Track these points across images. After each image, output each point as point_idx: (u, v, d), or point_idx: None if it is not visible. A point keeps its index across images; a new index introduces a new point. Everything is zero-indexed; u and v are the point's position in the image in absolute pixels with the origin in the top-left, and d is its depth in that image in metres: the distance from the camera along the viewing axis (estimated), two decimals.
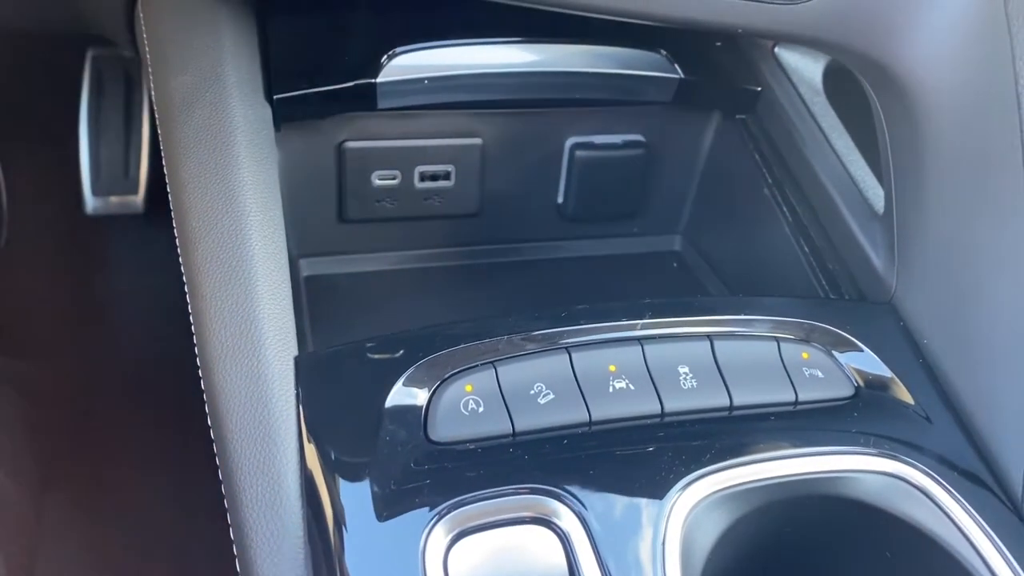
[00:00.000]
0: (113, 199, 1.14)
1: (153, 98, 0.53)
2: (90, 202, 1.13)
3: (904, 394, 0.46)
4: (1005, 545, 0.41)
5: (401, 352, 0.42)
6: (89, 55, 1.12)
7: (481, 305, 0.64)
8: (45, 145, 1.12)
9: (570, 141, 0.64)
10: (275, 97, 0.53)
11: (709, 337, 0.45)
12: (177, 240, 0.47)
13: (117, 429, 0.90)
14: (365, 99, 0.55)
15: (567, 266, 0.68)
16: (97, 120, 1.13)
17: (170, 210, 0.48)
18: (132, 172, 1.14)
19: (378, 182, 0.61)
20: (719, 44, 0.62)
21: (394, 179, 0.62)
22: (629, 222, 0.69)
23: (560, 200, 0.66)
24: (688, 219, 0.69)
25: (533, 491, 0.38)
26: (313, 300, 0.62)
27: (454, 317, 0.62)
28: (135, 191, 1.13)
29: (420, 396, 0.41)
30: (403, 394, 0.41)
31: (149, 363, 0.97)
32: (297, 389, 0.41)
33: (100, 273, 1.14)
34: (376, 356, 0.43)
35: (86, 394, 0.95)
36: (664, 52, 0.58)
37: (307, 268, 0.64)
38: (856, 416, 0.45)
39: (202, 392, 0.43)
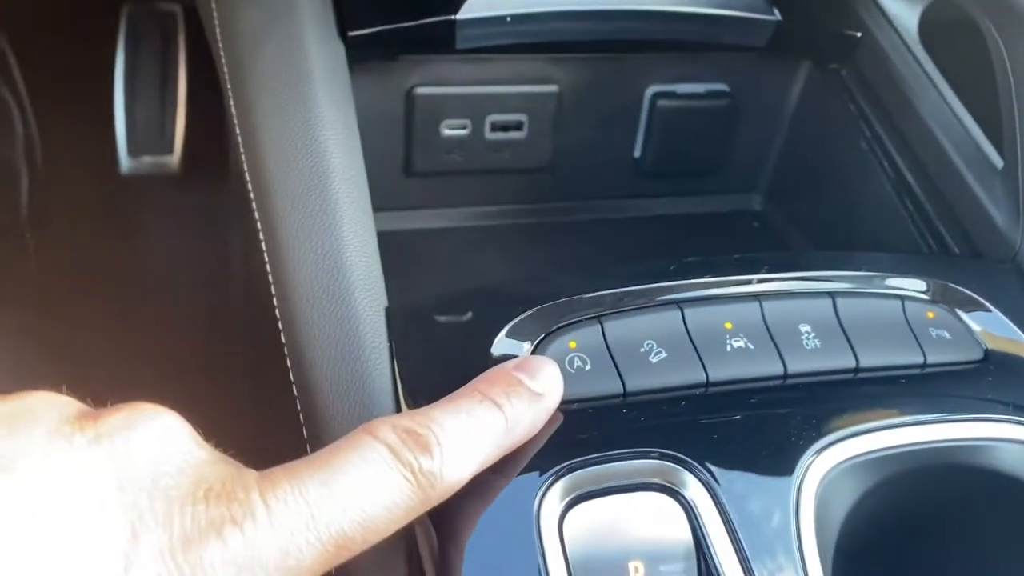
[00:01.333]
0: (147, 159, 1.11)
1: (218, 34, 0.50)
2: (125, 162, 1.10)
3: None
4: None
5: (499, 304, 0.39)
6: (124, 11, 1.09)
7: (553, 266, 0.61)
8: (81, 104, 1.09)
9: (651, 90, 0.60)
10: (349, 34, 0.49)
11: (831, 294, 0.42)
12: (249, 185, 0.44)
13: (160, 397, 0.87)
14: (443, 38, 0.51)
15: (642, 225, 0.65)
16: (133, 78, 1.09)
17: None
18: (168, 132, 1.10)
19: (447, 132, 0.58)
20: None
21: (464, 129, 0.58)
22: (708, 179, 0.65)
23: (637, 154, 0.63)
24: (771, 177, 0.65)
25: (655, 455, 0.35)
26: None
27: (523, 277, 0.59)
28: (170, 151, 1.10)
29: (523, 349, 0.38)
30: (506, 346, 0.37)
31: (195, 329, 0.94)
32: (390, 342, 0.38)
33: (137, 234, 1.11)
34: (473, 307, 0.39)
35: (127, 359, 0.92)
36: None
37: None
38: (989, 381, 0.41)
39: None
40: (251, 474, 0.27)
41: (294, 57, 0.45)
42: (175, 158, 1.10)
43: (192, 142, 1.09)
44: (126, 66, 1.09)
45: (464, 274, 0.59)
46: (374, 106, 0.56)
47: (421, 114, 0.57)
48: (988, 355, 0.43)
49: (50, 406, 0.27)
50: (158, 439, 0.27)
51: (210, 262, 0.87)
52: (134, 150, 1.10)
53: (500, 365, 0.34)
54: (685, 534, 0.34)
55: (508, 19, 0.51)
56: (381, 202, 0.60)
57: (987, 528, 0.39)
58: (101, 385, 0.30)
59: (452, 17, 0.50)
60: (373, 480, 0.28)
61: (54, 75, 1.06)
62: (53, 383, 0.28)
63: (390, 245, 0.60)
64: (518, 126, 0.59)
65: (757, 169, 0.65)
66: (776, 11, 0.55)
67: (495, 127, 0.59)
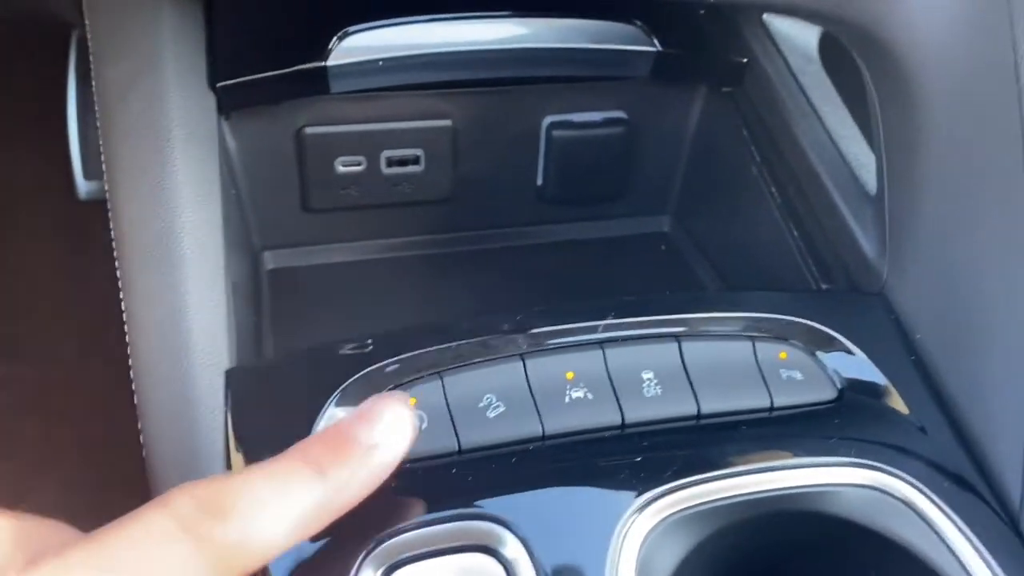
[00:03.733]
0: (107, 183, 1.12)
1: (94, 88, 0.50)
2: (83, 187, 1.11)
3: (892, 396, 0.43)
4: (1000, 565, 0.37)
5: (338, 364, 0.39)
6: (74, 36, 1.10)
7: (457, 297, 0.61)
8: (34, 131, 1.10)
9: (547, 120, 0.60)
10: (218, 84, 0.49)
11: (677, 338, 0.42)
12: (113, 242, 0.45)
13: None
14: (317, 83, 0.51)
15: (549, 251, 0.65)
16: (85, 102, 1.10)
17: None
18: None
19: (342, 169, 0.58)
20: (702, 12, 0.57)
21: (359, 165, 0.58)
22: (614, 204, 0.65)
23: (540, 182, 0.63)
24: (678, 199, 0.65)
25: (474, 516, 0.35)
26: (277, 294, 0.59)
27: (427, 310, 0.59)
28: None
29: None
30: (336, 416, 0.38)
31: None
32: (226, 404, 0.39)
33: (97, 259, 1.12)
34: (311, 368, 0.40)
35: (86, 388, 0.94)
36: (640, 23, 0.54)
37: (271, 261, 0.61)
38: (837, 422, 0.41)
39: None
40: (22, 555, 0.28)
41: (155, 114, 0.46)
42: None
43: None
44: (77, 90, 1.10)
45: (366, 309, 0.60)
46: (267, 147, 0.57)
47: (313, 153, 0.57)
48: (842, 395, 0.43)
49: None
50: None
51: None
52: (90, 174, 1.11)
53: (338, 421, 0.33)
54: None
55: (381, 63, 0.51)
56: (280, 239, 0.61)
57: None
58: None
59: (322, 64, 0.50)
60: (153, 557, 0.27)
61: (4, 105, 1.07)
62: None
63: (289, 282, 0.61)
64: (415, 160, 0.59)
65: (664, 191, 0.65)
66: (656, 42, 0.54)
67: (391, 162, 0.59)
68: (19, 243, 1.07)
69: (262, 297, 0.58)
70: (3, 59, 1.07)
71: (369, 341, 0.40)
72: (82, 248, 1.08)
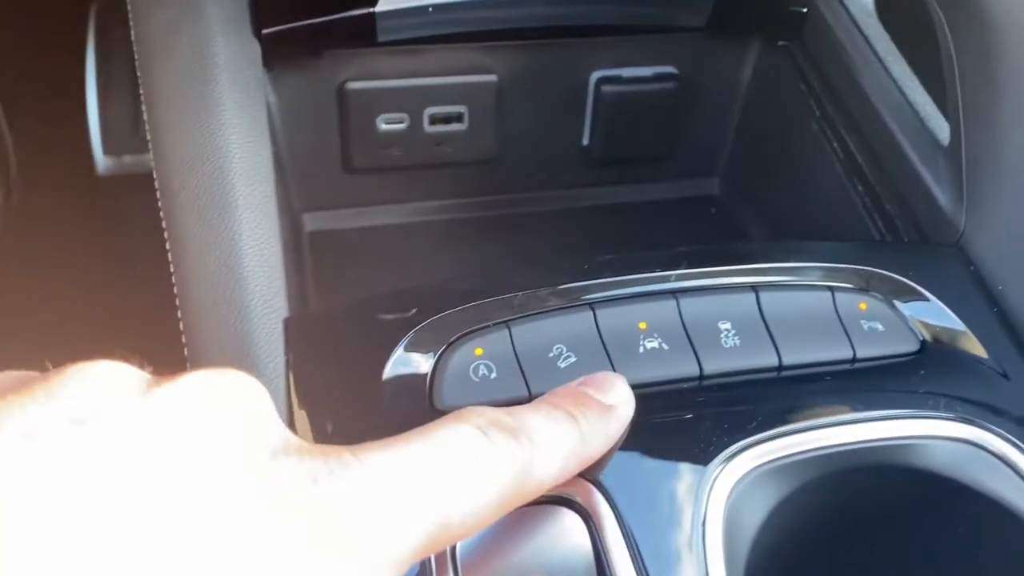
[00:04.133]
0: (127, 158, 1.10)
1: (132, 36, 0.48)
2: (101, 162, 1.09)
3: (977, 348, 0.41)
4: None
5: (403, 311, 0.37)
6: (93, 8, 1.08)
7: (501, 261, 0.59)
8: (53, 106, 1.08)
9: (595, 75, 0.58)
10: (263, 32, 0.47)
11: (754, 288, 0.40)
12: (157, 186, 0.43)
13: None
14: (363, 32, 0.49)
15: (595, 215, 0.63)
16: (106, 76, 1.08)
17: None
18: (142, 129, 1.09)
19: (384, 127, 0.56)
20: None
21: (402, 123, 0.56)
22: (662, 164, 0.63)
23: (586, 142, 0.61)
24: (727, 160, 0.63)
25: None
26: (318, 257, 0.58)
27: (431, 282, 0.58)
28: (146, 149, 1.09)
29: (424, 362, 0.36)
30: (404, 360, 0.36)
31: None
32: (287, 355, 0.37)
33: (116, 235, 1.10)
34: (374, 317, 0.38)
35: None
36: None
37: (311, 223, 0.59)
38: (923, 374, 0.39)
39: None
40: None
41: (201, 58, 0.44)
42: (151, 156, 1.09)
43: None
44: (97, 65, 1.08)
45: (407, 273, 0.58)
46: (307, 103, 0.55)
47: (355, 110, 0.55)
48: (924, 346, 0.41)
49: (121, 369, 0.23)
50: (242, 393, 0.24)
51: None
52: (109, 149, 1.09)
53: (565, 385, 0.33)
54: (586, 547, 0.33)
55: (430, 9, 0.49)
56: (321, 201, 0.59)
57: (918, 533, 0.37)
58: None
59: (370, 10, 0.48)
60: (472, 454, 0.26)
61: (24, 78, 1.06)
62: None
63: (330, 245, 0.59)
64: (458, 118, 0.57)
65: (713, 153, 0.63)
66: None
67: (434, 120, 0.57)
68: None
69: (304, 260, 0.57)
70: (23, 29, 1.05)
71: (433, 291, 0.39)
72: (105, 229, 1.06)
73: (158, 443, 0.21)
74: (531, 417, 0.29)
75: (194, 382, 0.23)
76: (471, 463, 0.26)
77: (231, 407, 0.23)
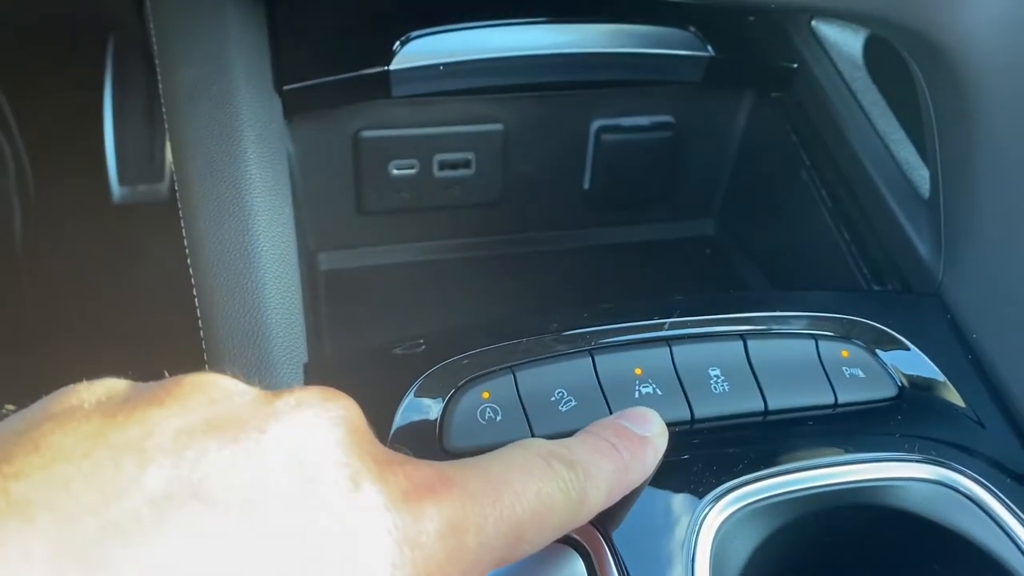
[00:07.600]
0: (141, 187, 1.13)
1: (161, 91, 0.51)
2: (117, 191, 1.12)
3: (952, 394, 0.43)
4: None
5: (414, 358, 0.40)
6: (111, 40, 1.11)
7: (507, 298, 0.62)
8: (71, 134, 1.11)
9: (596, 124, 0.61)
10: (284, 88, 0.50)
11: (742, 336, 0.43)
12: (185, 239, 0.46)
13: None
14: (379, 87, 0.52)
15: (596, 254, 0.66)
16: (121, 107, 1.12)
17: None
18: (157, 158, 1.13)
19: (396, 172, 0.59)
20: (752, 19, 0.58)
21: (412, 168, 0.59)
22: (660, 208, 0.66)
23: (587, 186, 0.64)
24: (722, 203, 0.66)
25: None
26: (332, 295, 0.60)
27: (478, 311, 0.60)
28: (161, 178, 1.12)
29: (434, 406, 0.39)
30: (415, 404, 0.39)
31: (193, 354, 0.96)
32: None
33: (131, 263, 1.13)
34: (387, 362, 0.41)
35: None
36: (693, 29, 0.55)
37: (326, 262, 0.62)
38: (900, 419, 0.42)
39: None
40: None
41: (225, 116, 0.47)
42: (165, 185, 1.12)
43: None
44: (114, 95, 1.11)
45: (418, 310, 0.61)
46: (324, 150, 0.58)
47: (368, 156, 0.58)
48: (903, 392, 0.43)
49: (222, 381, 0.26)
50: (345, 410, 0.27)
51: None
52: (125, 178, 1.12)
53: (602, 419, 0.35)
54: None
55: (441, 67, 0.52)
56: (335, 241, 0.62)
57: (894, 570, 0.40)
58: None
59: (385, 68, 0.51)
60: (537, 473, 0.29)
61: (44, 107, 1.09)
62: None
63: (344, 283, 0.62)
64: (466, 164, 0.60)
65: (709, 197, 0.66)
66: (710, 47, 0.55)
67: (443, 166, 0.60)
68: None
69: (319, 298, 0.59)
70: (41, 58, 1.09)
71: (442, 337, 0.41)
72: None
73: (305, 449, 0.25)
74: (581, 449, 0.31)
75: (310, 394, 0.26)
76: (537, 478, 0.29)
77: (340, 423, 0.26)
